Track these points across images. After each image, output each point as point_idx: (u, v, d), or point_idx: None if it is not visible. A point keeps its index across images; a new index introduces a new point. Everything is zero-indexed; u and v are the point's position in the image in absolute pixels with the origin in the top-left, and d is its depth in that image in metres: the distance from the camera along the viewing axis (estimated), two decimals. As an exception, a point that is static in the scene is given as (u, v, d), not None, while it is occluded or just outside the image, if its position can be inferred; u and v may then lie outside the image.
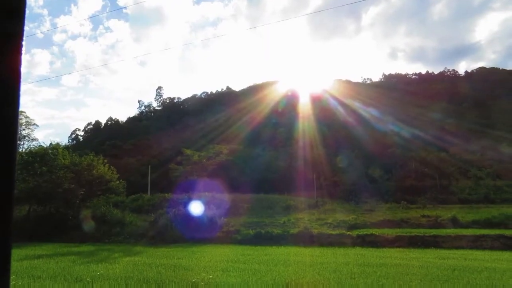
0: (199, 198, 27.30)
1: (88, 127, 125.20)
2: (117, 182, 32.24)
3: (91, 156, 31.71)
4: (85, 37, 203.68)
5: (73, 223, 26.42)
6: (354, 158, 47.93)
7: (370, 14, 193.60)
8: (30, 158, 30.09)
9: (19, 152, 33.12)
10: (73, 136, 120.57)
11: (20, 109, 0.98)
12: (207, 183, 33.56)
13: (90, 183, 30.34)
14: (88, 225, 25.14)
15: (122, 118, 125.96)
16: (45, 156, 30.82)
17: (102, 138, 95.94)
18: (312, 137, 55.82)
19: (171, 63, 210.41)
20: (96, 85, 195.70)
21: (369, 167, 44.55)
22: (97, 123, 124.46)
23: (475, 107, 69.08)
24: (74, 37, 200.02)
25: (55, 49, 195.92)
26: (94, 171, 30.51)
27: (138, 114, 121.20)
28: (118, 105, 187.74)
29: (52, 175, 28.98)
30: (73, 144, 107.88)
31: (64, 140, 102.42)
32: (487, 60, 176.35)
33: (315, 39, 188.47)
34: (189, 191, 30.95)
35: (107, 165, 31.92)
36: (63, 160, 30.83)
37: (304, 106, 73.30)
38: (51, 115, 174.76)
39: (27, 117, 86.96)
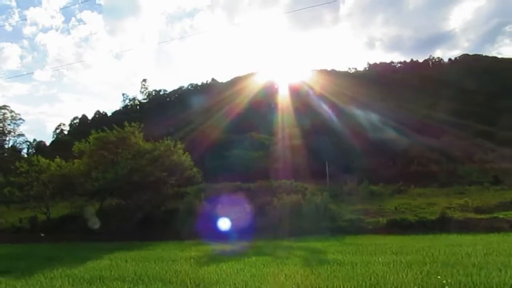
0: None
1: (75, 121, 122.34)
2: (195, 170, 28.07)
3: (168, 141, 27.43)
4: (57, 29, 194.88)
5: (166, 217, 22.37)
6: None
7: (348, 3, 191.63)
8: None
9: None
10: (58, 131, 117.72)
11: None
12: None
13: (170, 171, 26.07)
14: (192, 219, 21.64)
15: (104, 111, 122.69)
16: (125, 140, 26.73)
17: (89, 132, 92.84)
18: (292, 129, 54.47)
19: (149, 55, 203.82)
20: (70, 80, 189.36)
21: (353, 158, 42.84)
22: (84, 117, 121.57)
23: (462, 94, 68.60)
24: (45, 30, 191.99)
25: (26, 42, 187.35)
26: (174, 157, 26.29)
27: (123, 107, 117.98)
28: (94, 100, 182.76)
29: (135, 162, 24.60)
30: (59, 139, 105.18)
31: (39, 137, 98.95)
32: (461, 48, 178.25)
33: (294, 29, 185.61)
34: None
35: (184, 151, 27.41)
36: (143, 144, 26.62)
37: (285, 97, 71.34)
38: (25, 111, 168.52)
39: (11, 111, 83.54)
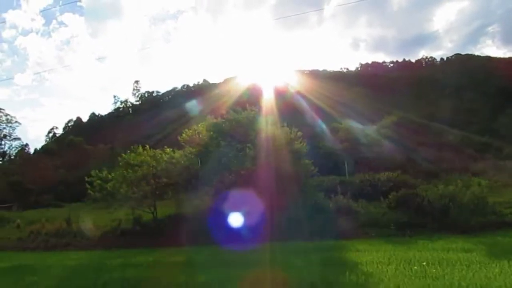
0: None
1: (69, 124, 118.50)
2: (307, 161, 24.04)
3: (286, 127, 23.02)
4: (37, 32, 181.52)
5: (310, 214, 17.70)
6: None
7: (332, 4, 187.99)
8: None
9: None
10: (51, 134, 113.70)
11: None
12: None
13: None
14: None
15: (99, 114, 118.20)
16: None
17: (85, 134, 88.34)
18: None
19: (133, 58, 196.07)
20: (52, 84, 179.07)
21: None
22: (79, 119, 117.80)
23: (458, 93, 65.43)
24: (25, 33, 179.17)
25: (5, 46, 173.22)
26: (296, 146, 22.23)
27: (114, 109, 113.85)
28: (77, 104, 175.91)
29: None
30: (52, 142, 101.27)
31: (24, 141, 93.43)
32: (445, 48, 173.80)
33: (279, 31, 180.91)
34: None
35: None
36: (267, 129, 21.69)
37: (269, 99, 66.99)
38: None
39: (7, 114, 77.85)
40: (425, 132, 41.44)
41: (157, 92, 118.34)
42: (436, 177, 25.76)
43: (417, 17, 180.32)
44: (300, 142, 22.29)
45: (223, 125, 22.37)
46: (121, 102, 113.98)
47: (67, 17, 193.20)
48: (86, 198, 26.26)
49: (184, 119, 73.96)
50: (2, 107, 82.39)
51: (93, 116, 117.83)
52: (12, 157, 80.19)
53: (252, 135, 21.43)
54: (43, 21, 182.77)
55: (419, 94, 69.69)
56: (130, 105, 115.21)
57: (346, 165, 29.68)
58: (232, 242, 14.36)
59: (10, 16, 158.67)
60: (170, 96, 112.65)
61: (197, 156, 22.14)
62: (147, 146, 22.97)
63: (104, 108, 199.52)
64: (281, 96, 67.50)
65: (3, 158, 79.92)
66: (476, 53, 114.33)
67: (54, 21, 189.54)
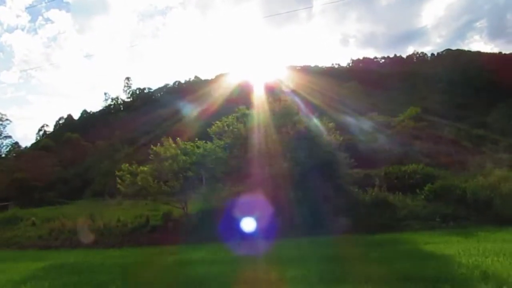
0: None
1: (60, 121, 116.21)
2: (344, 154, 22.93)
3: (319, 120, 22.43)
4: (23, 29, 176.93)
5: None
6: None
7: (321, 0, 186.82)
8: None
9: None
10: (41, 132, 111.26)
11: None
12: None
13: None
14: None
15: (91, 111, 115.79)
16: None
17: (77, 132, 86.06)
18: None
19: (121, 54, 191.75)
20: (39, 81, 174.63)
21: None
22: (70, 117, 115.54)
23: (450, 88, 65.16)
24: (10, 30, 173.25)
25: None
26: (328, 138, 21.46)
27: (105, 107, 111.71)
28: (65, 101, 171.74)
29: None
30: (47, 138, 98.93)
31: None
32: (433, 44, 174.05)
33: (269, 27, 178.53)
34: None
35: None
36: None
37: (260, 96, 65.99)
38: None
39: None
40: (421, 127, 40.81)
41: (149, 89, 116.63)
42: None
43: (406, 12, 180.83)
44: (333, 134, 21.44)
45: (258, 116, 21.30)
46: (112, 99, 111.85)
47: (53, 13, 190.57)
48: (106, 194, 24.84)
49: (177, 116, 73.39)
50: None
51: (84, 113, 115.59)
52: (3, 155, 78.17)
53: (289, 126, 20.39)
54: (29, 17, 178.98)
55: (411, 89, 69.30)
56: (122, 102, 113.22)
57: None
58: (273, 236, 13.92)
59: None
60: (162, 93, 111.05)
61: (230, 147, 21.10)
62: (177, 138, 21.86)
63: (93, 105, 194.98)
64: (272, 92, 66.62)
65: None
66: (465, 48, 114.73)
67: (40, 18, 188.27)
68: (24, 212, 31.03)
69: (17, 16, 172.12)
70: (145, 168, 20.73)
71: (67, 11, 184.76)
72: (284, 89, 67.25)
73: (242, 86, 76.65)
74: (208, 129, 23.06)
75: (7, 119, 77.44)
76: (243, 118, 21.86)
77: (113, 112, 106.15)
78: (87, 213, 23.79)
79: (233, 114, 22.79)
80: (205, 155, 21.06)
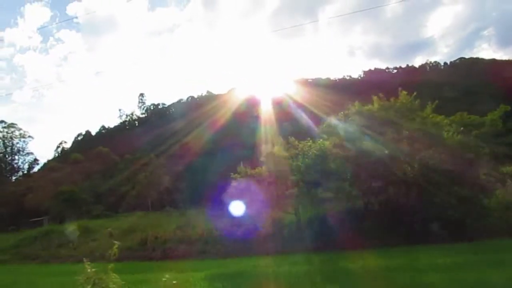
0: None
1: (79, 137, 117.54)
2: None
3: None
4: (35, 50, 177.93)
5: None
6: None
7: (327, 14, 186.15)
8: None
9: None
10: (59, 149, 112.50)
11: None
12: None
13: None
14: None
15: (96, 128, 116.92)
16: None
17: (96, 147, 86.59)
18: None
19: (131, 72, 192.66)
20: (50, 100, 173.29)
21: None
22: (88, 133, 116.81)
23: (466, 96, 62.75)
24: (23, 51, 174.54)
25: (3, 64, 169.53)
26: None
27: (120, 123, 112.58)
28: (78, 118, 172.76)
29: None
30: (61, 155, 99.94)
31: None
32: (441, 54, 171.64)
33: (276, 41, 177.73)
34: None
35: None
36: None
37: (268, 109, 64.96)
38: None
39: (20, 129, 75.79)
40: None
41: (163, 104, 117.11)
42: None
43: (411, 23, 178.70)
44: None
45: (376, 113, 19.37)
46: (127, 115, 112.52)
47: (64, 33, 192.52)
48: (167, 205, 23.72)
49: (190, 128, 73.43)
50: (15, 122, 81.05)
51: (102, 128, 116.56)
52: (25, 172, 78.30)
53: (410, 125, 18.21)
54: (40, 38, 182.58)
55: (425, 98, 66.90)
56: (137, 117, 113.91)
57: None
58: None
59: (8, 34, 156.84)
60: (174, 108, 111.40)
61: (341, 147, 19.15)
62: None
63: (107, 122, 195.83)
64: (279, 106, 65.49)
65: (16, 173, 77.95)
66: (477, 56, 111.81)
67: (51, 38, 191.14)
68: (94, 223, 30.77)
69: (29, 37, 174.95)
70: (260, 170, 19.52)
71: (77, 31, 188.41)
72: (289, 102, 66.23)
73: (250, 100, 76.48)
74: (316, 128, 21.57)
75: (29, 136, 78.00)
76: (361, 114, 19.63)
77: (128, 128, 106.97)
78: (174, 223, 23.33)
79: (342, 112, 20.86)
80: (321, 156, 18.97)
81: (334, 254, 13.60)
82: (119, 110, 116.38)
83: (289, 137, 20.81)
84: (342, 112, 20.71)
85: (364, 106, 20.14)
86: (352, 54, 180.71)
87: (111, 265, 4.87)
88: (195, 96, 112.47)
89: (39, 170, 78.91)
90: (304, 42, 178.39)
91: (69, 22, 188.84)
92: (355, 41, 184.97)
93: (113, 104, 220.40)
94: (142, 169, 55.42)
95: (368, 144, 17.52)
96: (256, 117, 58.26)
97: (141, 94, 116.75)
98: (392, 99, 19.68)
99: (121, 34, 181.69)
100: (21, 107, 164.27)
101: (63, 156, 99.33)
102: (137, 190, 48.68)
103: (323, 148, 18.85)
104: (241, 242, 17.46)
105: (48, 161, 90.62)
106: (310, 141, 19.81)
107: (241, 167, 19.88)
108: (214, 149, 55.27)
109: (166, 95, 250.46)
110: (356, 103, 20.58)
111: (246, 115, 65.37)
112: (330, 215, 17.68)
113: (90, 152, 74.68)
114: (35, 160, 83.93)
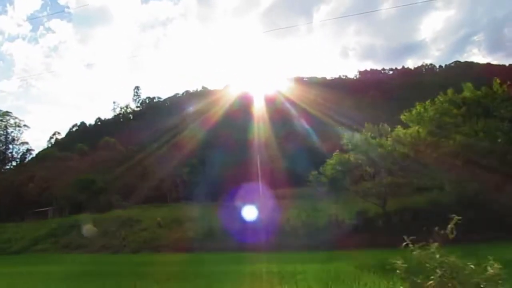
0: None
1: (74, 128, 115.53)
2: None
3: None
4: (24, 38, 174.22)
5: None
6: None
7: (321, 13, 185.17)
8: None
9: None
10: (52, 140, 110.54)
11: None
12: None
13: None
14: None
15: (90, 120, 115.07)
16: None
17: (91, 139, 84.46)
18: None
19: (122, 65, 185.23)
20: (38, 90, 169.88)
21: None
22: (83, 124, 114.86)
23: None
24: (11, 39, 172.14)
25: None
26: None
27: (114, 115, 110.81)
28: (66, 110, 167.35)
29: None
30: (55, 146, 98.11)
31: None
32: (432, 57, 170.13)
33: (270, 39, 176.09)
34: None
35: None
36: None
37: (261, 107, 63.88)
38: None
39: (15, 118, 73.98)
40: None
41: (159, 98, 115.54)
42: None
43: (404, 26, 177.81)
44: None
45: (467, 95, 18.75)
46: (121, 108, 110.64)
47: (54, 23, 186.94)
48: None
49: (186, 123, 72.45)
50: (9, 111, 78.51)
51: (98, 120, 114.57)
52: (18, 162, 76.15)
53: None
54: (30, 27, 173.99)
55: (421, 100, 66.23)
56: (131, 110, 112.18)
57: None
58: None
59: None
60: (170, 102, 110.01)
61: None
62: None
63: (101, 114, 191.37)
64: (272, 103, 64.65)
65: (10, 163, 75.85)
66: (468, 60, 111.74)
67: (41, 27, 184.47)
68: (133, 212, 30.63)
69: (18, 25, 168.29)
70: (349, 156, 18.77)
71: (69, 21, 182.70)
72: (282, 100, 65.67)
73: (243, 97, 75.58)
74: (401, 116, 21.13)
75: (24, 125, 75.87)
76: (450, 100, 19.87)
77: (122, 121, 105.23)
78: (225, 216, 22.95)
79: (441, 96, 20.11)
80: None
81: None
82: (113, 102, 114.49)
83: (381, 124, 20.07)
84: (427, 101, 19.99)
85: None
86: (346, 55, 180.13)
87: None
88: (191, 91, 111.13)
89: (32, 158, 77.16)
90: (298, 41, 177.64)
91: (60, 11, 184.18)
92: (348, 42, 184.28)
93: (108, 97, 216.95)
94: (153, 161, 54.96)
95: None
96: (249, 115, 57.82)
97: (136, 87, 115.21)
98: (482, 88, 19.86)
99: (114, 26, 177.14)
100: (9, 97, 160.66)
101: (56, 145, 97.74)
102: (151, 181, 47.35)
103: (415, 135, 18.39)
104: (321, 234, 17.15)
105: (44, 150, 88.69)
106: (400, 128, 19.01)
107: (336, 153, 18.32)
108: (225, 143, 53.12)
109: (161, 89, 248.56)
110: (449, 90, 20.49)
111: (238, 111, 64.58)
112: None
113: (97, 142, 72.99)
114: (28, 150, 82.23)
